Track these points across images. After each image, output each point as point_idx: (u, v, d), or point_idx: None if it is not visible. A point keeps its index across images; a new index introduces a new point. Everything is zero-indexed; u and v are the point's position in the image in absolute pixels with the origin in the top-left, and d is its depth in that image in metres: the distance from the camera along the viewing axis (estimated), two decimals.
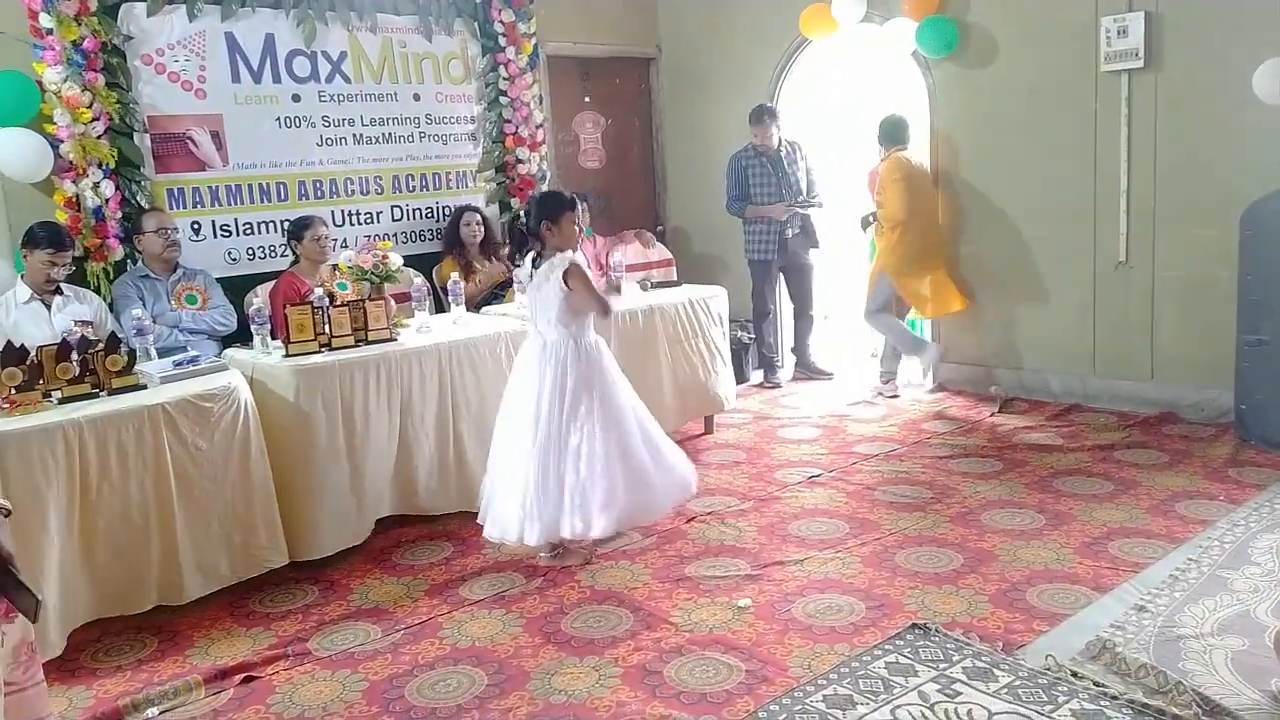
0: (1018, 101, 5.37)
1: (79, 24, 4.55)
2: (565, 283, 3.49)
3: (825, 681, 2.73)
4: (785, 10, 6.17)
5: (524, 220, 3.71)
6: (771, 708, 2.62)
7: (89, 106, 4.57)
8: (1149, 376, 5.09)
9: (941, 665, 2.78)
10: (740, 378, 6.39)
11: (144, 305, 4.41)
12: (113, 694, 2.91)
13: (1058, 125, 5.23)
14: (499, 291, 5.43)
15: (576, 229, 3.70)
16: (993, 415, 5.27)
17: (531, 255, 3.67)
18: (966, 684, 2.67)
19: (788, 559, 3.57)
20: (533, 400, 3.57)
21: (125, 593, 3.26)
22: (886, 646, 2.90)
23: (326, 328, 3.92)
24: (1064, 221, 5.28)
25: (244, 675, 2.96)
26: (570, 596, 3.39)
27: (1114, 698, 2.52)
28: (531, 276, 3.63)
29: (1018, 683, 2.64)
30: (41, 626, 2.94)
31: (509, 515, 3.57)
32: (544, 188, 6.15)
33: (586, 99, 6.93)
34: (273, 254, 5.23)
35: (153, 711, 2.80)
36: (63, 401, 3.27)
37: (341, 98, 5.48)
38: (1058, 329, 5.40)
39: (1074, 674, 2.64)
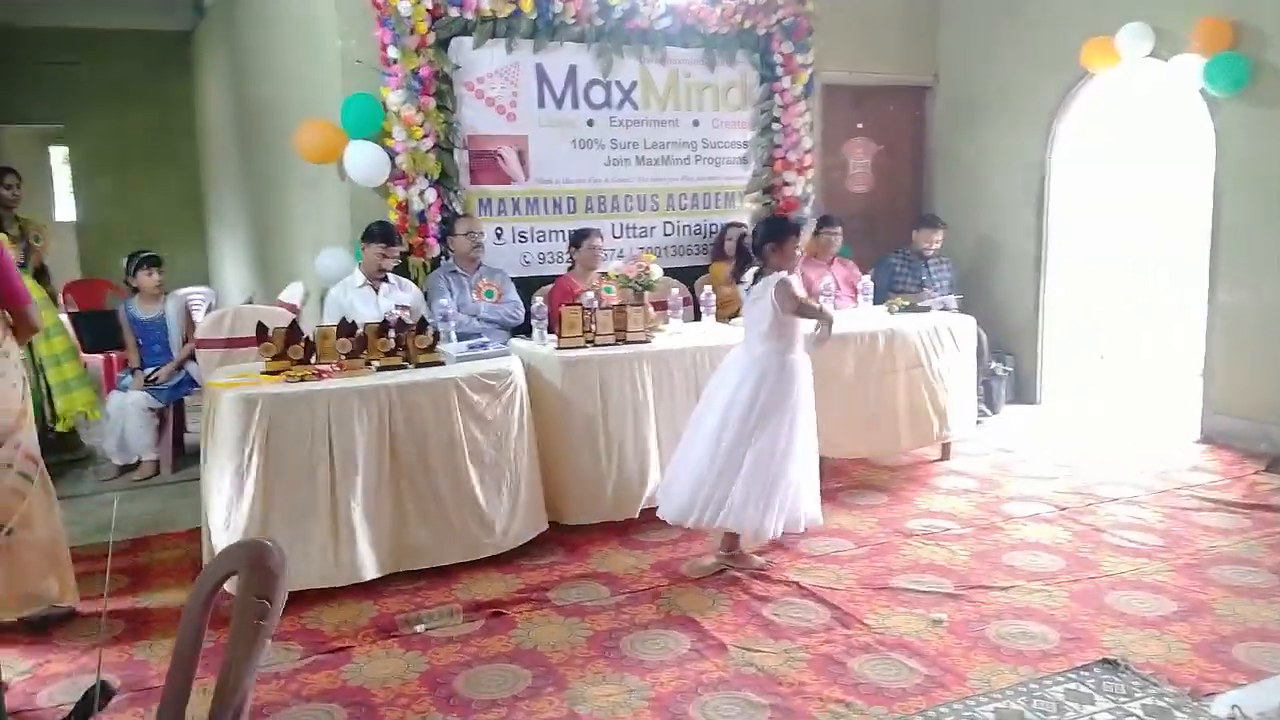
0: None
1: (418, 55, 5.42)
2: (775, 298, 3.74)
3: (1000, 696, 2.89)
4: (1067, 43, 6.09)
5: (751, 239, 4.02)
6: (941, 709, 2.83)
7: (421, 125, 5.42)
8: None
9: (1122, 699, 2.85)
10: (992, 409, 6.41)
11: (450, 296, 5.18)
12: (391, 610, 3.59)
13: None
14: None
15: (799, 253, 3.98)
16: (1257, 473, 4.98)
17: (754, 271, 3.94)
18: None
19: (994, 584, 3.70)
20: (729, 403, 3.82)
21: (427, 546, 3.83)
22: (1070, 675, 3.00)
23: (593, 326, 4.48)
24: None
25: (494, 610, 3.55)
26: (771, 592, 3.69)
27: None
28: (749, 291, 3.93)
29: None
30: (351, 553, 3.66)
31: (685, 501, 3.85)
32: (807, 210, 6.47)
33: (859, 125, 7.16)
34: (559, 259, 5.91)
35: (420, 628, 3.43)
36: (379, 370, 4.01)
37: (629, 123, 6.08)
38: None
39: None
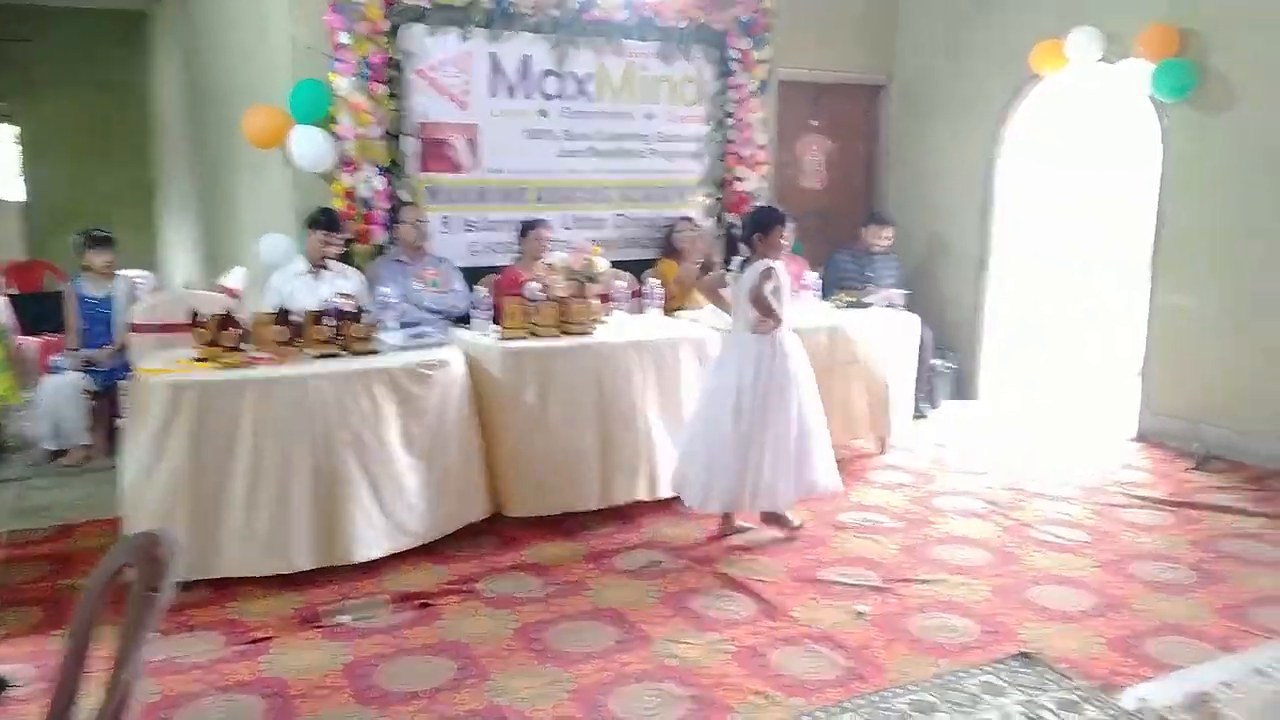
0: (1257, 150, 5.13)
1: (370, 41, 5.36)
2: (754, 282, 3.92)
3: (916, 688, 2.94)
4: (1018, 45, 6.15)
5: (738, 230, 4.09)
6: (858, 701, 2.86)
7: (370, 112, 5.36)
8: None
9: (1034, 692, 2.90)
10: (933, 404, 6.47)
11: (394, 284, 5.15)
12: (318, 600, 3.56)
13: None
14: None
15: (784, 242, 4.11)
16: (1186, 470, 5.08)
17: (740, 260, 4.09)
18: (1053, 713, 2.79)
19: (918, 577, 3.75)
20: (738, 392, 3.99)
21: (358, 537, 3.77)
22: (986, 668, 3.06)
23: (535, 317, 4.47)
24: None
25: (421, 602, 3.54)
26: (701, 584, 3.72)
27: None
28: (738, 280, 4.06)
29: None
30: (280, 543, 3.61)
31: (707, 486, 4.02)
32: (758, 204, 6.49)
33: (814, 122, 7.19)
34: (507, 250, 5.87)
35: (345, 619, 3.41)
36: (316, 358, 3.97)
37: (583, 114, 6.06)
38: (1275, 391, 5.11)
39: None
